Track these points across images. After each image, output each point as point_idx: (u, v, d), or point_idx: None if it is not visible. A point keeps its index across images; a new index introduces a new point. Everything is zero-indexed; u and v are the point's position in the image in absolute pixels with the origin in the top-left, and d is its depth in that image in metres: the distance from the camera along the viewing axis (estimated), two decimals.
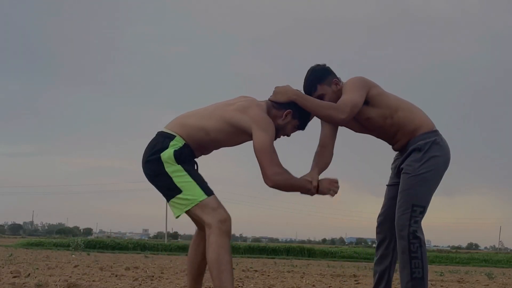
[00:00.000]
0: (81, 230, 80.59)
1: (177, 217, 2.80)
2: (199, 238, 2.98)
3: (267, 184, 2.75)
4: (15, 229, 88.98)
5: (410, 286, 3.01)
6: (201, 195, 2.73)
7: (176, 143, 2.81)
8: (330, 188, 2.91)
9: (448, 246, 70.62)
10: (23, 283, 4.40)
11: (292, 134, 3.03)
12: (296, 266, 12.93)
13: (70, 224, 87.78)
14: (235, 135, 2.85)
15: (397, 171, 3.23)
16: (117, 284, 4.80)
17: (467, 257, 32.03)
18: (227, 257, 2.67)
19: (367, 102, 3.05)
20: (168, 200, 2.81)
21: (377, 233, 3.32)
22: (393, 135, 3.18)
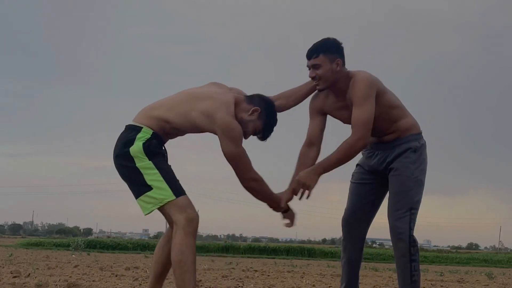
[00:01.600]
0: (81, 230, 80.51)
1: (146, 214, 2.77)
2: (168, 237, 2.92)
3: (242, 184, 2.82)
4: (15, 229, 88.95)
5: None
6: (170, 195, 2.70)
7: (144, 135, 2.78)
8: (290, 220, 3.04)
9: (448, 246, 70.37)
10: (23, 283, 4.40)
11: (249, 139, 2.92)
12: (296, 266, 12.93)
13: (70, 224, 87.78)
14: (201, 131, 2.85)
15: (378, 169, 3.12)
16: (117, 284, 4.80)
17: (467, 257, 32.04)
18: (191, 257, 2.66)
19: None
20: (136, 197, 2.77)
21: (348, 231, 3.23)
22: (383, 130, 3.08)
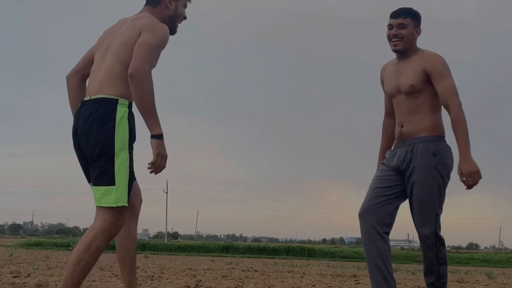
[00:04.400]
0: (81, 230, 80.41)
1: (96, 205, 2.62)
2: (130, 221, 2.84)
3: (129, 71, 2.51)
4: (15, 229, 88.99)
5: None
6: (125, 202, 2.56)
7: (124, 110, 2.58)
8: (163, 161, 2.61)
9: (448, 246, 70.52)
10: (23, 283, 4.40)
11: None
12: (296, 266, 12.92)
13: (70, 224, 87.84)
14: None
15: (400, 168, 3.10)
16: (117, 284, 4.80)
17: (467, 257, 32.08)
18: (93, 261, 2.57)
19: (430, 77, 3.05)
20: (95, 183, 2.59)
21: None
22: (413, 113, 3.09)
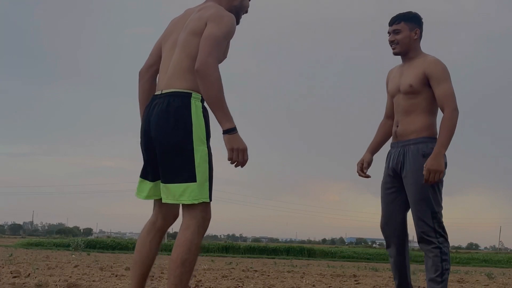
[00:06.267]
0: (81, 230, 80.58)
1: (165, 201, 2.54)
2: (153, 232, 2.70)
3: (196, 66, 2.43)
4: (15, 229, 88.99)
5: (439, 287, 3.12)
6: (206, 197, 2.49)
7: (198, 103, 2.51)
8: (240, 155, 2.46)
9: None
10: (23, 283, 4.40)
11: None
12: (296, 266, 12.93)
13: (70, 224, 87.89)
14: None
15: (396, 170, 3.28)
16: (117, 284, 4.80)
17: (467, 257, 32.03)
18: (196, 258, 2.48)
19: (430, 80, 3.17)
20: (172, 180, 2.48)
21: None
22: (408, 113, 3.23)
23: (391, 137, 3.41)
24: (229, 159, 2.46)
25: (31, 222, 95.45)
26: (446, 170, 3.17)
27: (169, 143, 2.48)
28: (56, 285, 4.44)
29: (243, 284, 5.39)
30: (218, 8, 2.63)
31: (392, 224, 3.33)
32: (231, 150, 2.44)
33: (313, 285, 5.63)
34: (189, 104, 2.50)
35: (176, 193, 2.48)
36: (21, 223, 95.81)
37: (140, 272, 2.65)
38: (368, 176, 3.51)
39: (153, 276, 6.04)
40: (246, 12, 2.88)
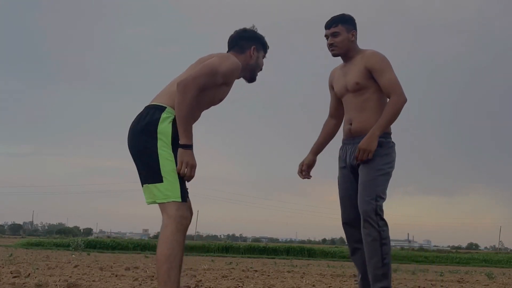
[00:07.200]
0: (81, 230, 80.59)
1: (148, 203, 2.74)
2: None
3: (179, 80, 2.67)
4: (15, 229, 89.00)
5: (381, 272, 3.10)
6: (177, 197, 2.65)
7: (169, 115, 2.70)
8: (188, 170, 2.68)
9: (448, 246, 70.38)
10: (23, 283, 4.40)
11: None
12: (296, 266, 12.93)
13: (70, 224, 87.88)
14: (210, 93, 2.80)
15: (352, 164, 3.30)
16: (117, 284, 4.80)
17: (467, 257, 32.00)
18: (180, 254, 2.61)
19: (372, 73, 3.22)
20: (144, 182, 2.72)
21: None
22: (360, 110, 3.28)
23: (343, 135, 3.42)
24: (177, 171, 2.66)
25: (31, 222, 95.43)
26: (395, 162, 3.25)
27: (136, 147, 2.72)
28: (56, 285, 4.44)
29: (243, 284, 5.39)
30: (231, 55, 2.87)
31: (350, 214, 3.32)
32: (180, 163, 2.66)
33: (313, 285, 5.64)
34: (160, 114, 2.70)
35: (151, 193, 2.69)
36: (21, 223, 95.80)
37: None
38: (309, 177, 3.56)
39: (153, 276, 6.04)
40: (261, 69, 3.09)
